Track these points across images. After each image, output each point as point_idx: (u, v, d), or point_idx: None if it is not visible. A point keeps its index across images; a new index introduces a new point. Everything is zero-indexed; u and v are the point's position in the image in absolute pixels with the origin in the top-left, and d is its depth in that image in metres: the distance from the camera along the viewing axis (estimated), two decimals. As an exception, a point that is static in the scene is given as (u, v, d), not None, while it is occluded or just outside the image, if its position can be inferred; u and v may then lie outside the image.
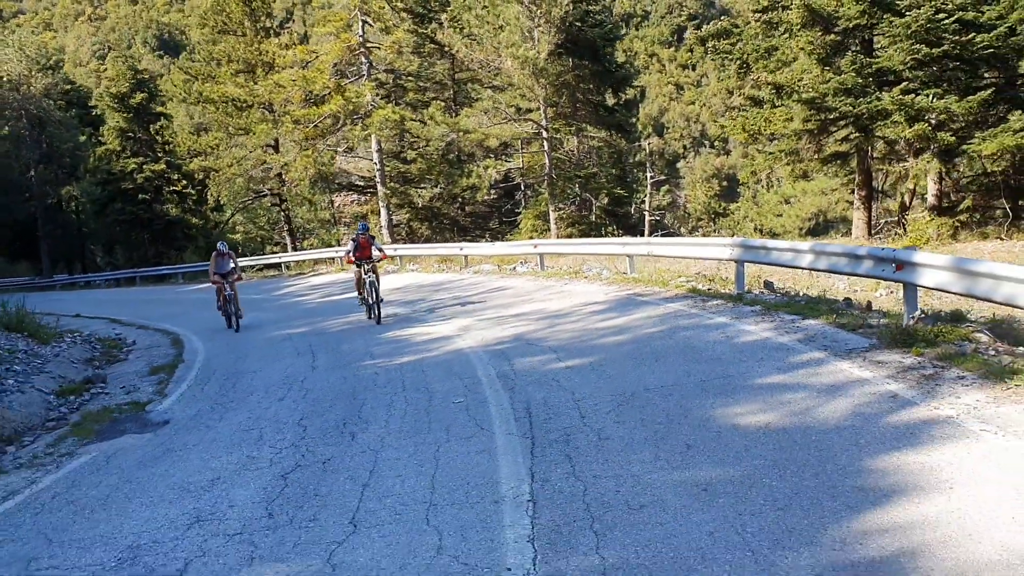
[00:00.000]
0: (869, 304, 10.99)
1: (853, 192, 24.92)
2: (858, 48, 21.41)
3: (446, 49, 31.10)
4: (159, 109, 45.92)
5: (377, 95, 32.06)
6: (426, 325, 12.55)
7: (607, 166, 33.21)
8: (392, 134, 32.08)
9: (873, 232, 23.72)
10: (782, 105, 21.54)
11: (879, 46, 21.26)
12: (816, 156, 23.75)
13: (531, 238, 27.62)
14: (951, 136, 19.54)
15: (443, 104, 33.13)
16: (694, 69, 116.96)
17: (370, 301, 13.50)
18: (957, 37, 18.96)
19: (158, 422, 8.06)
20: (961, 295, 8.07)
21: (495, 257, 22.42)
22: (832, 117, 21.14)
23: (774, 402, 6.35)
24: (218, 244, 15.68)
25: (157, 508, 5.45)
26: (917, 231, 21.35)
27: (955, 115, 19.20)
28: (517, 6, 26.41)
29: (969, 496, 4.35)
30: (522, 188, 34.23)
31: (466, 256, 23.24)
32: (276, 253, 38.04)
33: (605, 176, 32.32)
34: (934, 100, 19.21)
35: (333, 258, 30.22)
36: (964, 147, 19.63)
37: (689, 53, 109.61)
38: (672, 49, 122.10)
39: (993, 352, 7.18)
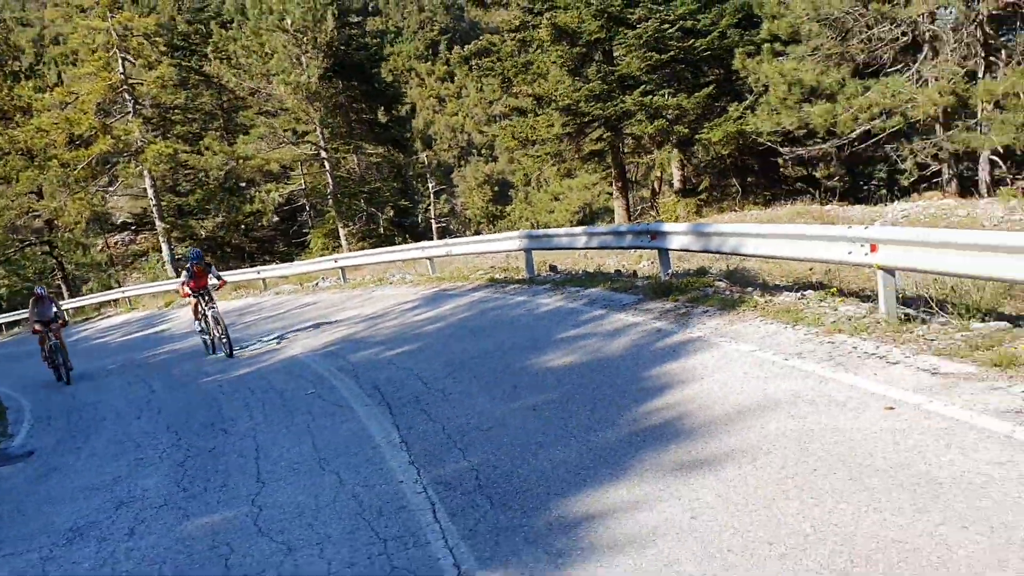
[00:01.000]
0: (635, 272, 13.20)
1: (612, 184, 28.02)
2: (601, 59, 24.29)
3: (213, 80, 31.01)
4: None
5: (147, 131, 31.23)
6: (250, 343, 13.18)
7: (389, 180, 34.60)
8: (167, 168, 31.38)
9: (632, 217, 26.88)
10: (544, 113, 23.97)
11: (618, 55, 24.25)
12: (577, 156, 26.52)
13: (322, 255, 28.29)
14: (686, 128, 22.83)
15: (217, 134, 32.90)
16: (453, 81, 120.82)
17: (215, 334, 12.42)
18: (681, 43, 22.21)
19: (21, 454, 8.37)
20: (700, 252, 10.27)
21: (294, 277, 22.99)
22: (587, 120, 23.83)
23: (574, 348, 8.04)
24: (36, 288, 14.21)
25: (76, 503, 6.12)
26: (667, 211, 24.64)
27: (686, 110, 22.46)
28: (283, 35, 27.07)
29: (714, 380, 6.18)
30: (308, 209, 34.67)
31: (264, 279, 23.58)
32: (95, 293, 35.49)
33: (388, 190, 33.72)
34: (668, 99, 22.37)
35: (141, 295, 28.87)
36: (697, 137, 23.00)
37: (446, 66, 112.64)
38: (429, 63, 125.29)
39: (728, 292, 9.37)
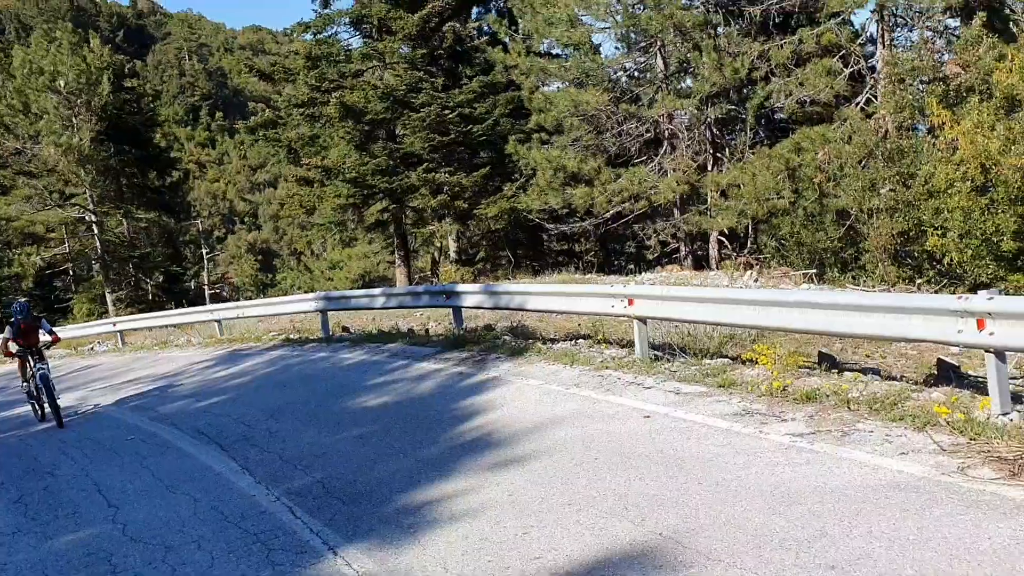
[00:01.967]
0: (427, 331, 14.43)
1: (393, 253, 29.34)
2: (385, 136, 25.82)
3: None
4: None
5: None
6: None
7: (159, 245, 33.60)
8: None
9: (413, 284, 28.29)
10: (331, 184, 24.91)
11: (402, 134, 25.91)
12: (360, 225, 27.63)
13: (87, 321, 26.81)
14: (464, 204, 24.78)
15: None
16: (215, 147, 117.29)
17: (43, 399, 10.55)
18: (460, 128, 24.28)
19: None
20: (491, 308, 11.76)
21: (63, 342, 21.68)
22: (372, 192, 25.09)
23: (386, 391, 9.08)
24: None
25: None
26: (448, 278, 26.28)
27: (465, 187, 24.45)
28: (55, 96, 26.00)
29: (513, 406, 7.51)
30: (71, 273, 32.59)
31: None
32: None
33: (158, 255, 32.75)
34: (449, 176, 24.25)
35: None
36: (475, 211, 25.03)
37: (207, 132, 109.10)
38: (188, 128, 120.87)
39: (514, 342, 10.88)
